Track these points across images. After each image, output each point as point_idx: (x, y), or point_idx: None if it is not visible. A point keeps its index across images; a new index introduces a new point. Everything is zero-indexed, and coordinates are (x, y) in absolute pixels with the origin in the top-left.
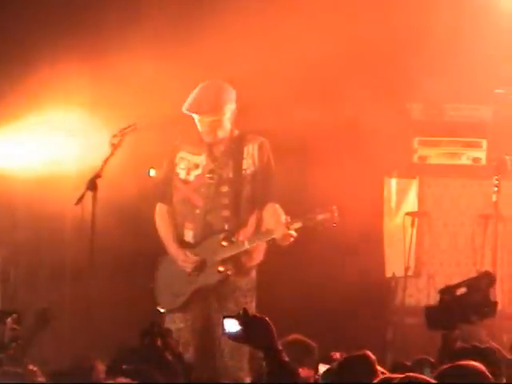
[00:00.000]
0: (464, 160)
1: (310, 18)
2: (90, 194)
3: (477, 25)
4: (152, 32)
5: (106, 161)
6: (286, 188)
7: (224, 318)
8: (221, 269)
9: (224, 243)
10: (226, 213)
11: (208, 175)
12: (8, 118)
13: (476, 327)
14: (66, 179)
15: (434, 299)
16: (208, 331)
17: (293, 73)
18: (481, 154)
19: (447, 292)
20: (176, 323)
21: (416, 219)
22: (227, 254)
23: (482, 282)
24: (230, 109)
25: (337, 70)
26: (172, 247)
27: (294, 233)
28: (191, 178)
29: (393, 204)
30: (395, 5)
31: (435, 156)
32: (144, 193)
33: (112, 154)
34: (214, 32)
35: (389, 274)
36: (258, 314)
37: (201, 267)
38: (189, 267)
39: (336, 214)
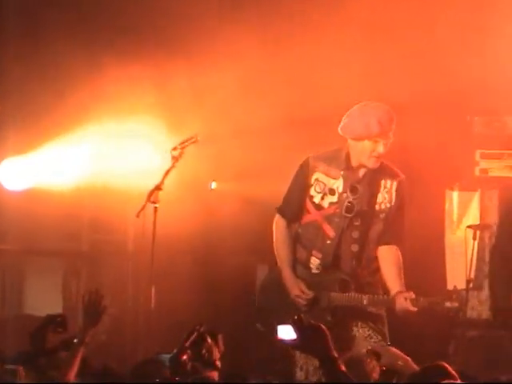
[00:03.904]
0: None
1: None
2: (151, 206)
3: None
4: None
5: (166, 173)
6: None
7: (279, 325)
8: (329, 318)
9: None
10: (354, 247)
11: (347, 205)
12: (66, 128)
13: None
14: (128, 192)
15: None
16: None
17: None
18: None
19: None
20: None
21: (478, 232)
22: (341, 303)
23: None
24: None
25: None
26: (286, 271)
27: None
28: (325, 204)
29: (455, 217)
30: (453, 16)
31: (497, 169)
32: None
33: (173, 166)
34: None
35: (450, 287)
36: (313, 322)
37: (312, 305)
38: (301, 303)
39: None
